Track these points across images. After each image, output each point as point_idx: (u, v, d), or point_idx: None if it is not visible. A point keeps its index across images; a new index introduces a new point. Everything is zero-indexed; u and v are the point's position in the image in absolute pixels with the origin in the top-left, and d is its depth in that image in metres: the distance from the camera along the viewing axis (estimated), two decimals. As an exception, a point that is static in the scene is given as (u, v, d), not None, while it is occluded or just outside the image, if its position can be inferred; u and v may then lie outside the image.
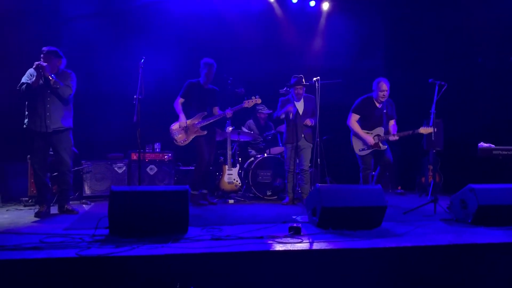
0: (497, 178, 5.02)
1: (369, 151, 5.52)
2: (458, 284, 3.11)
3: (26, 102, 4.72)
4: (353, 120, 5.61)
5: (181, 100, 5.71)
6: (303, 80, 5.76)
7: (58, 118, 4.70)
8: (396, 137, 5.45)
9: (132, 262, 2.81)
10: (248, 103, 5.72)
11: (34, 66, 4.53)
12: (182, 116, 5.63)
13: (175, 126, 5.66)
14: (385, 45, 8.35)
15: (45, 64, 4.55)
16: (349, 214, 3.78)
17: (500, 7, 6.82)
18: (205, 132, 5.63)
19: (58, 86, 4.62)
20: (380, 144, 5.49)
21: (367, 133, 5.56)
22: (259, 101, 5.75)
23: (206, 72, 5.68)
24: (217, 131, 6.51)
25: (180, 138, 5.62)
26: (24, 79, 4.65)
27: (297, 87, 5.78)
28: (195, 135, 5.61)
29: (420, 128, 5.32)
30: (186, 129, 5.60)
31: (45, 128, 4.63)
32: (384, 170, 5.65)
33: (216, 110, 5.76)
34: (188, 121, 5.63)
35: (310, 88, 5.74)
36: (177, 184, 6.55)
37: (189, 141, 5.62)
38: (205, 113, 5.66)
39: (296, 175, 5.87)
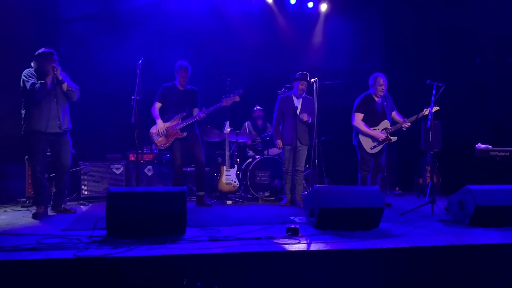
0: (494, 179, 5.03)
1: (380, 146, 5.58)
2: (456, 285, 3.12)
3: (26, 103, 4.68)
4: (358, 120, 5.62)
5: (157, 104, 5.65)
6: (308, 77, 5.71)
7: (66, 119, 4.82)
8: (408, 123, 5.59)
9: (129, 263, 2.81)
10: (226, 102, 5.63)
11: (49, 67, 4.58)
12: (159, 121, 5.57)
13: (154, 130, 5.60)
14: (383, 46, 8.36)
15: (60, 66, 4.65)
16: (347, 215, 3.78)
17: (499, 8, 6.83)
18: (185, 134, 5.55)
19: (71, 89, 4.76)
20: (390, 137, 5.56)
21: (374, 129, 5.59)
22: (237, 99, 5.66)
23: (181, 75, 5.59)
24: (214, 131, 6.52)
25: (160, 141, 5.57)
26: (31, 80, 4.60)
27: (302, 82, 5.70)
28: (174, 137, 5.55)
29: (424, 110, 5.43)
30: (166, 133, 5.55)
31: (57, 128, 4.68)
32: (376, 172, 5.69)
33: (195, 111, 5.67)
34: (167, 124, 5.57)
35: (309, 89, 5.74)
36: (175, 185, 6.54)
37: (169, 144, 5.56)
38: (184, 114, 5.58)
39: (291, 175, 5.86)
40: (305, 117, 5.64)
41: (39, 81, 4.58)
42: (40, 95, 4.57)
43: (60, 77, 4.65)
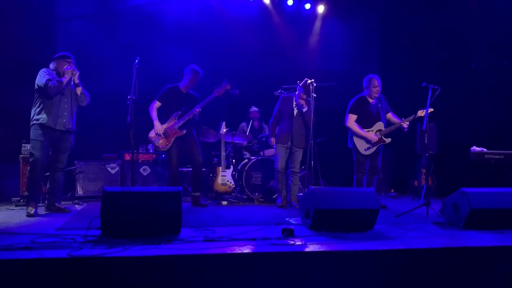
0: (489, 181, 5.05)
1: (374, 148, 5.59)
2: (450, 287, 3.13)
3: (39, 99, 4.78)
4: (351, 121, 5.63)
5: (157, 104, 5.62)
6: (311, 90, 5.48)
7: (72, 121, 4.97)
8: (407, 122, 5.59)
9: (124, 263, 2.80)
10: (218, 91, 5.60)
11: (67, 68, 4.77)
12: (157, 123, 5.55)
13: (152, 134, 5.58)
14: (380, 48, 8.40)
15: (79, 71, 4.86)
16: (342, 217, 3.78)
17: (494, 13, 6.88)
18: (184, 131, 5.55)
19: (83, 94, 4.98)
20: (384, 138, 5.58)
21: (368, 131, 5.60)
22: (228, 87, 5.63)
23: (191, 78, 5.59)
24: (210, 132, 6.51)
25: (162, 143, 5.54)
26: (47, 76, 4.73)
27: (303, 95, 5.55)
28: (175, 136, 5.55)
29: (418, 112, 5.46)
30: (165, 134, 5.53)
31: (62, 126, 4.81)
32: (372, 174, 5.71)
33: None
34: (164, 125, 5.56)
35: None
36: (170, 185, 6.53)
37: (171, 144, 5.54)
38: (180, 112, 5.57)
39: (287, 176, 5.85)
40: (303, 105, 5.55)
41: (57, 79, 4.75)
42: (54, 91, 4.71)
43: (77, 80, 4.86)
